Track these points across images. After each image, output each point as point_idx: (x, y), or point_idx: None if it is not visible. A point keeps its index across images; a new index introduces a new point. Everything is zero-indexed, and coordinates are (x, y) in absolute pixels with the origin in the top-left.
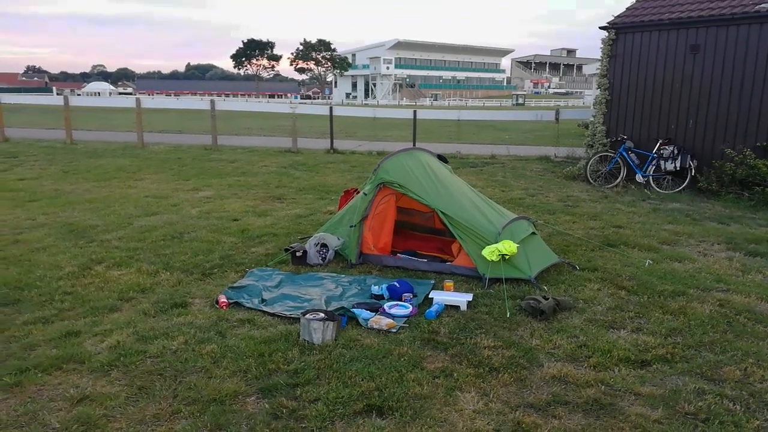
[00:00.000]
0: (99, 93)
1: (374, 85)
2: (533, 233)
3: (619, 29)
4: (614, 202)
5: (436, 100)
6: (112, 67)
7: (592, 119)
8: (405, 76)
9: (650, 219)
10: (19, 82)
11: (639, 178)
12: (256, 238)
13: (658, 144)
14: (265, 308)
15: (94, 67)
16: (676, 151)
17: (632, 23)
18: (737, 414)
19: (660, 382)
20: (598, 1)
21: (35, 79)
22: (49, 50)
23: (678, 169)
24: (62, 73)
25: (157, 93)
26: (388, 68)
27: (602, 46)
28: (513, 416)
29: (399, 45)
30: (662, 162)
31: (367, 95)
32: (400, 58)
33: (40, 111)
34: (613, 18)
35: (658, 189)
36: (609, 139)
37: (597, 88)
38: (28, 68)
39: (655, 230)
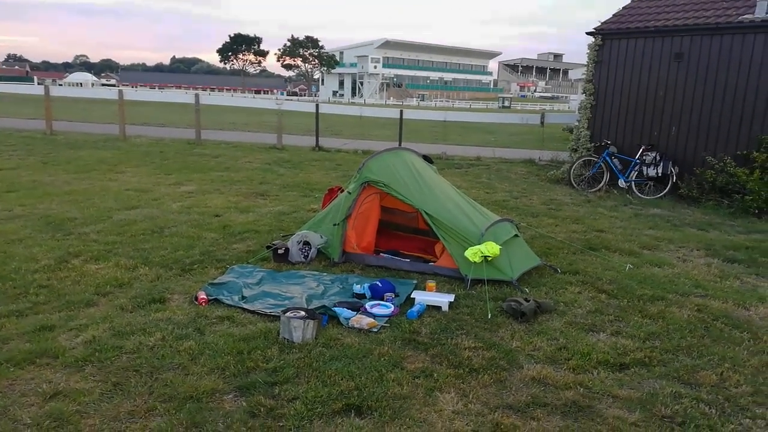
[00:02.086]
0: (81, 84)
1: (361, 83)
2: (516, 235)
3: (605, 35)
4: (597, 206)
5: (422, 100)
6: (95, 58)
7: (576, 124)
8: (392, 76)
9: (631, 224)
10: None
11: (621, 183)
12: (237, 234)
13: (641, 150)
14: (245, 305)
15: (77, 57)
16: (658, 158)
17: (618, 30)
18: (713, 418)
19: (638, 386)
20: (587, 4)
21: (16, 67)
22: (31, 39)
23: (660, 175)
24: (44, 62)
25: (141, 85)
26: (375, 67)
27: (588, 51)
28: (492, 417)
29: (387, 44)
30: (644, 168)
31: (354, 94)
32: (387, 57)
33: (20, 100)
34: (599, 24)
35: (639, 194)
36: (593, 144)
37: (582, 93)
38: (9, 56)
39: (636, 235)
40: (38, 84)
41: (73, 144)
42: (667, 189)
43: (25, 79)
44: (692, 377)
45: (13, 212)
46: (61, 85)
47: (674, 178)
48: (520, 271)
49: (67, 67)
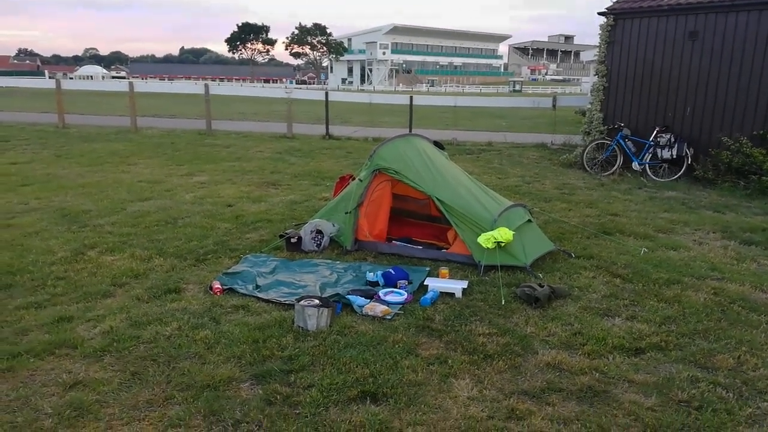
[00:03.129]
0: (92, 76)
1: (370, 70)
2: (529, 221)
3: (617, 15)
4: (610, 189)
5: (432, 86)
6: (105, 51)
7: (589, 106)
8: (401, 62)
9: (646, 207)
10: (11, 65)
11: (635, 166)
12: (250, 224)
13: (655, 132)
14: (259, 294)
15: (87, 50)
16: (672, 139)
17: (631, 9)
18: (730, 402)
19: (654, 370)
20: None
21: (27, 62)
22: (42, 33)
23: (675, 157)
24: (54, 56)
25: (151, 77)
26: (384, 53)
27: (600, 32)
28: (507, 403)
29: (395, 30)
30: (659, 150)
31: (363, 81)
32: (396, 43)
33: (32, 94)
34: (612, 3)
35: (654, 177)
36: (606, 127)
37: (595, 75)
38: (20, 51)
39: (651, 218)
40: (49, 78)
41: (85, 137)
42: (682, 171)
43: (36, 73)
44: (709, 361)
45: (29, 205)
46: (71, 78)
47: (689, 159)
48: (533, 257)
49: (77, 61)
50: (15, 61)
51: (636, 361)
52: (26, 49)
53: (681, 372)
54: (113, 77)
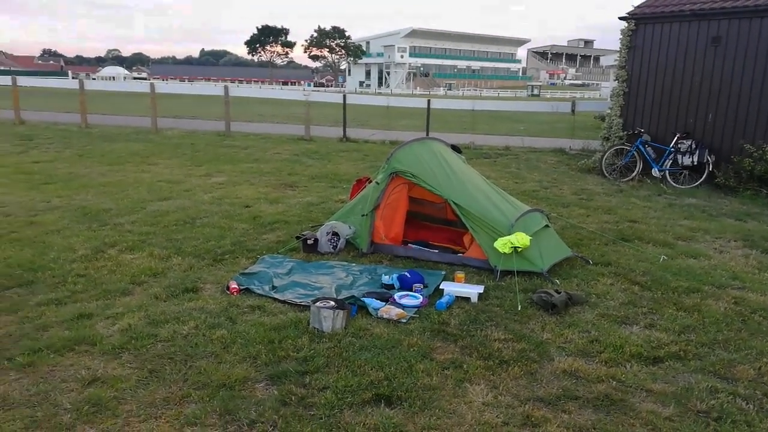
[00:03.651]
0: (114, 77)
1: (388, 73)
2: (546, 226)
3: (638, 20)
4: (629, 196)
5: (450, 89)
6: (127, 52)
7: (608, 111)
8: (419, 65)
9: (666, 214)
10: (35, 66)
11: (655, 172)
12: (267, 225)
13: (676, 138)
14: (275, 295)
15: (110, 51)
16: (693, 146)
17: (653, 14)
18: (750, 413)
19: (672, 380)
20: None
21: (51, 62)
22: (65, 34)
23: (695, 164)
24: (78, 56)
25: (171, 78)
26: (402, 57)
27: (621, 37)
28: (522, 410)
29: (414, 33)
30: (679, 156)
31: (380, 84)
32: (414, 46)
33: (56, 94)
34: (633, 8)
35: (674, 184)
36: (625, 132)
37: (614, 80)
38: (44, 51)
39: (670, 225)
40: (72, 78)
41: (107, 137)
42: (702, 178)
43: (60, 73)
44: (729, 372)
45: (51, 203)
46: (94, 79)
47: (710, 166)
48: (550, 263)
49: (100, 62)
50: (39, 62)
51: (654, 370)
52: (50, 49)
53: (700, 382)
54: (134, 78)
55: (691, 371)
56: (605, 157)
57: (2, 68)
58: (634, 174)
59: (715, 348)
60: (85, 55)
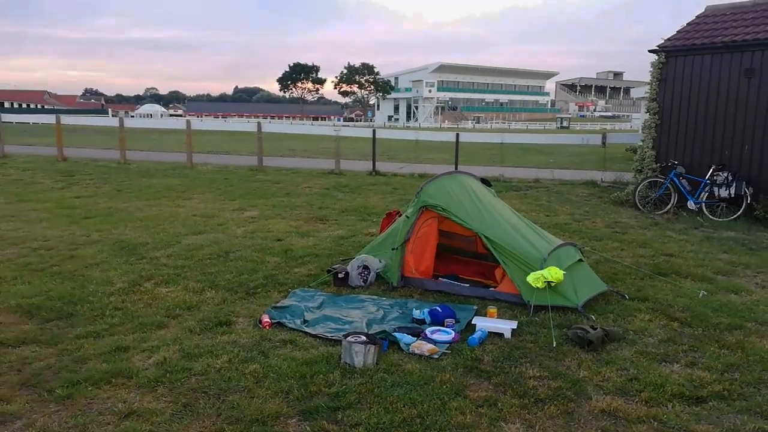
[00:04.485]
0: (151, 115)
1: (416, 107)
2: (580, 260)
3: (669, 52)
4: (665, 229)
5: (478, 122)
6: (164, 90)
7: (640, 143)
8: (447, 99)
9: (703, 248)
10: (78, 104)
11: (691, 204)
12: (298, 258)
13: (711, 170)
14: (307, 329)
15: (147, 89)
16: (730, 178)
17: (683, 46)
18: None
19: (716, 420)
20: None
21: (92, 100)
22: (105, 73)
23: (733, 196)
24: (117, 95)
25: (206, 115)
26: (430, 91)
27: (651, 69)
28: None
29: (442, 68)
30: (715, 188)
31: (408, 118)
32: (442, 81)
33: (97, 132)
34: (663, 41)
35: (711, 216)
36: (659, 164)
37: (645, 112)
38: (86, 90)
39: (708, 259)
40: (113, 116)
41: (144, 172)
42: (741, 210)
43: (101, 111)
44: None
45: (91, 237)
46: (133, 116)
47: (749, 199)
48: (585, 298)
49: (138, 100)
50: (81, 100)
51: (697, 411)
52: (92, 88)
53: (746, 423)
54: (171, 115)
55: (736, 412)
56: (639, 189)
57: (47, 107)
58: (669, 206)
59: (760, 387)
60: (124, 94)
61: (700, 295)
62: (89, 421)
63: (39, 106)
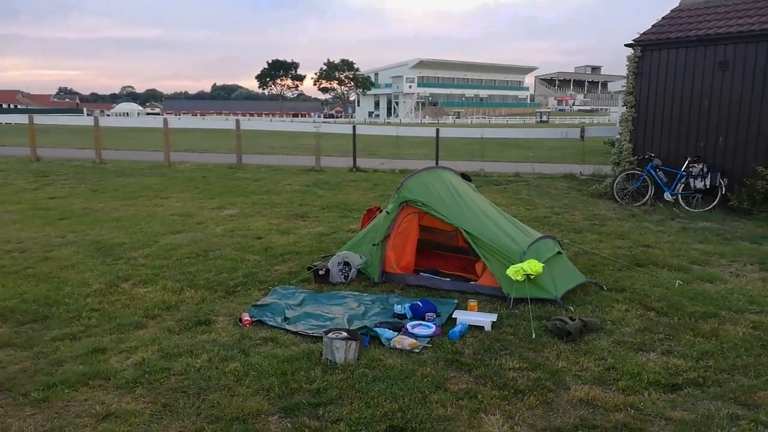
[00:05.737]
0: (128, 113)
1: (396, 103)
2: (559, 252)
3: (645, 46)
4: (642, 220)
5: (458, 117)
6: (140, 89)
7: (618, 137)
8: (427, 95)
9: (680, 238)
10: (52, 104)
11: (667, 196)
12: (279, 256)
13: (687, 162)
14: (287, 327)
15: (124, 88)
16: (705, 169)
17: (658, 40)
18: None
19: (692, 407)
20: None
21: (67, 100)
22: (80, 72)
23: (708, 187)
24: (93, 94)
25: (184, 113)
26: (410, 87)
27: (628, 63)
28: None
29: (421, 64)
30: (691, 180)
31: (389, 114)
32: (422, 76)
33: (72, 131)
34: (638, 35)
35: (687, 207)
36: (636, 157)
37: (623, 106)
38: (60, 89)
39: (684, 250)
40: (87, 115)
41: (121, 172)
42: (716, 201)
43: (76, 111)
44: (749, 398)
45: (66, 239)
46: (108, 115)
47: (723, 189)
48: (564, 289)
49: (114, 98)
50: (55, 100)
51: (673, 398)
52: (66, 87)
53: (720, 409)
54: (148, 114)
55: (710, 398)
56: (616, 182)
57: (20, 107)
58: (646, 198)
59: (734, 374)
60: (100, 93)
61: (676, 284)
62: (66, 424)
63: (12, 106)
